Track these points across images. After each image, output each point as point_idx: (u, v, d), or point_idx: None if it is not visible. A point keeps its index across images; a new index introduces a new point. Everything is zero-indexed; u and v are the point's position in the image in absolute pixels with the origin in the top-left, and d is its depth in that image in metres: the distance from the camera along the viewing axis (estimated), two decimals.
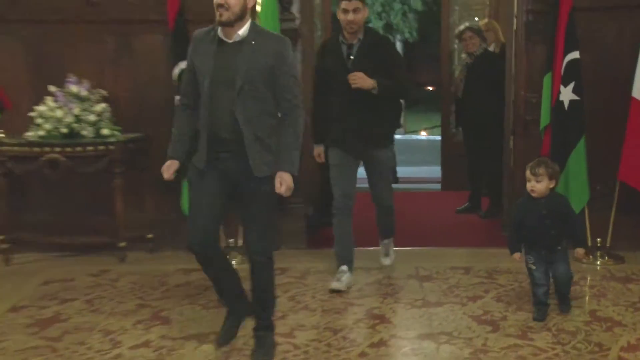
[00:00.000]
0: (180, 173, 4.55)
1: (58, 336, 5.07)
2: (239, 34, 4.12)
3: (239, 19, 4.06)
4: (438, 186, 10.71)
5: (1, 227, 6.82)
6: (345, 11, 5.30)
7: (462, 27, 8.49)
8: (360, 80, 5.34)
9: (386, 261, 6.29)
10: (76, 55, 6.99)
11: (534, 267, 5.03)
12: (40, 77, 6.92)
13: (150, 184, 6.80)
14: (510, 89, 7.14)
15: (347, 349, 4.73)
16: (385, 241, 6.30)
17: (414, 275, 6.18)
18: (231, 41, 4.13)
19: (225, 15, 3.99)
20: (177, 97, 6.43)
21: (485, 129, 7.88)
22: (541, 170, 4.88)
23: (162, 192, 6.75)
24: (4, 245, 6.81)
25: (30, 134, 6.63)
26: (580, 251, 5.08)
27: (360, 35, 5.49)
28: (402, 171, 11.83)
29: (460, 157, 9.30)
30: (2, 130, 6.70)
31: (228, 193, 4.40)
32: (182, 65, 6.38)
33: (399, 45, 26.03)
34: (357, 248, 6.43)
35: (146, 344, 4.88)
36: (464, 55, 8.49)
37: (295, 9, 6.90)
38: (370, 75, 5.35)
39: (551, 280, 5.17)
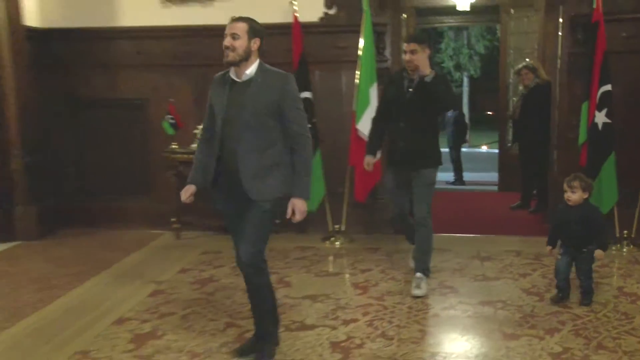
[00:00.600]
0: (195, 196, 4.11)
1: (212, 291, 5.35)
2: (246, 74, 3.75)
3: (244, 59, 3.71)
4: (495, 188, 10.58)
5: (174, 212, 7.01)
6: (405, 52, 5.02)
7: (520, 65, 8.53)
8: (418, 60, 4.97)
9: (416, 291, 5.09)
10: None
11: (559, 257, 4.91)
12: (201, 106, 6.92)
13: None
14: (555, 113, 7.11)
15: (424, 310, 4.83)
16: (418, 275, 5.20)
17: (476, 256, 6.19)
18: (241, 81, 3.77)
19: (231, 56, 3.69)
20: None
21: (536, 144, 7.83)
22: (576, 183, 4.77)
23: None
24: (176, 225, 7.06)
25: (193, 146, 6.74)
26: (600, 253, 4.75)
27: (421, 74, 4.99)
28: (467, 176, 11.73)
29: (513, 165, 9.25)
30: (175, 143, 6.91)
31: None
32: (305, 95, 6.38)
33: (465, 81, 25.60)
34: (450, 234, 6.78)
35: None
36: (520, 87, 8.44)
37: (387, 52, 6.93)
38: (424, 106, 5.05)
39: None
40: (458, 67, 25.57)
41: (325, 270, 5.90)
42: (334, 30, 6.89)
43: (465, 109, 21.49)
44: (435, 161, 5.29)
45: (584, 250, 4.81)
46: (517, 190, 8.79)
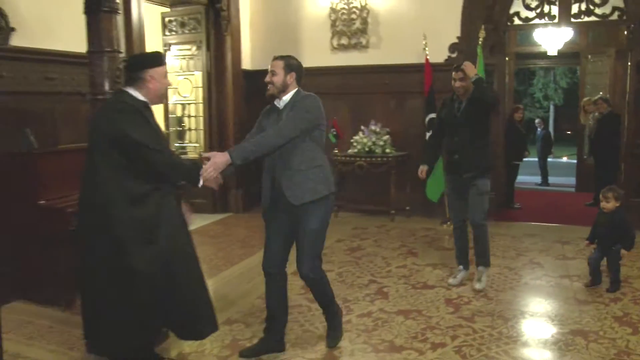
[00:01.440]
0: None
1: (359, 257, 5.35)
2: (284, 100, 3.23)
3: (282, 91, 3.21)
4: (573, 189, 10.05)
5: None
6: (454, 80, 4.39)
7: (596, 97, 8.18)
8: (468, 65, 4.34)
9: (477, 285, 4.44)
10: (374, 110, 7.14)
11: (593, 252, 4.54)
12: (356, 120, 7.15)
13: (408, 180, 6.80)
14: (624, 134, 6.67)
15: (517, 279, 4.69)
16: (480, 268, 4.54)
17: (558, 240, 5.87)
18: (281, 108, 3.23)
19: (271, 90, 3.23)
20: (428, 134, 6.67)
21: (607, 157, 7.27)
22: (610, 194, 4.40)
23: (412, 184, 6.90)
24: (335, 207, 6.99)
25: (350, 151, 6.95)
26: (624, 252, 4.36)
27: (469, 97, 4.36)
28: (552, 180, 11.20)
29: (588, 172, 8.85)
30: (337, 149, 6.95)
31: (291, 224, 3.26)
32: (431, 115, 6.47)
33: (551, 108, 24.60)
34: (538, 223, 6.35)
35: (404, 266, 5.06)
36: (596, 114, 7.93)
37: (495, 85, 6.72)
38: (471, 119, 4.36)
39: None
40: (546, 97, 24.77)
41: (442, 246, 5.78)
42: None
43: (551, 129, 20.67)
44: (485, 170, 4.46)
45: (613, 248, 4.41)
46: (590, 191, 8.21)
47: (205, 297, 3.08)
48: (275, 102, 3.31)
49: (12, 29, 4.36)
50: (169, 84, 3.05)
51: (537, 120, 12.33)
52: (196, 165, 2.96)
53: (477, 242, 4.55)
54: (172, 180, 2.94)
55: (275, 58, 3.33)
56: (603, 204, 4.46)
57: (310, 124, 3.20)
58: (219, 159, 2.95)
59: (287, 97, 3.26)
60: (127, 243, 2.74)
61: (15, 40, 4.39)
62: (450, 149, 4.58)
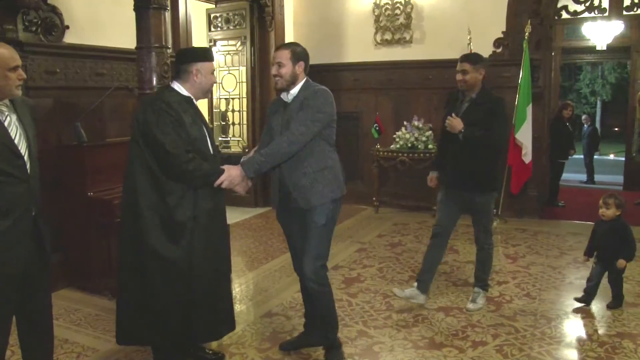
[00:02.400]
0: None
1: (400, 252, 5.31)
2: (292, 93, 2.98)
3: (291, 84, 2.96)
4: (620, 187, 9.69)
5: (375, 193, 7.03)
6: (457, 72, 3.74)
7: None
8: (451, 123, 3.66)
9: (470, 305, 3.90)
10: (417, 106, 7.07)
11: (593, 265, 3.99)
12: (399, 117, 7.10)
13: None
14: None
15: (560, 279, 4.56)
16: (477, 289, 3.99)
17: None
18: (289, 101, 3.00)
19: (280, 83, 2.97)
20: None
21: None
22: (610, 201, 3.90)
23: None
24: (376, 203, 7.04)
25: (392, 147, 6.87)
26: (621, 262, 3.80)
27: (474, 95, 3.72)
28: (598, 178, 10.83)
29: (636, 170, 8.65)
30: (378, 144, 6.89)
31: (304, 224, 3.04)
32: None
33: (598, 104, 23.76)
34: (583, 222, 6.09)
35: (445, 263, 4.89)
36: None
37: (540, 81, 6.54)
38: (474, 124, 3.63)
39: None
40: (593, 92, 24.01)
41: None
42: (500, 63, 6.60)
43: (598, 125, 20.06)
44: (487, 187, 3.81)
45: (615, 261, 3.87)
46: (639, 190, 7.90)
47: (225, 295, 3.05)
48: (282, 96, 3.05)
49: (66, 27, 4.47)
50: (215, 81, 2.99)
51: (584, 117, 11.98)
52: (215, 171, 2.83)
53: (479, 262, 4.02)
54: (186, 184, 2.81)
55: (279, 48, 3.10)
56: (602, 211, 3.95)
57: (323, 124, 2.94)
58: (234, 172, 2.84)
59: (295, 90, 3.00)
60: (150, 230, 2.73)
61: (69, 38, 4.50)
62: (449, 158, 3.86)
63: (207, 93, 3.06)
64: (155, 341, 2.94)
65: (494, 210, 4.10)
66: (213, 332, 3.04)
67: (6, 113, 2.34)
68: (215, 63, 7.39)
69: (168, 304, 2.80)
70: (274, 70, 2.99)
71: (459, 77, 3.73)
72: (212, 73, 2.94)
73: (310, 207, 2.96)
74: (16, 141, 2.34)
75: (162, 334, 2.85)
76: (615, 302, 3.93)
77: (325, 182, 2.97)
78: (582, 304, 3.94)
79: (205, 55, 2.94)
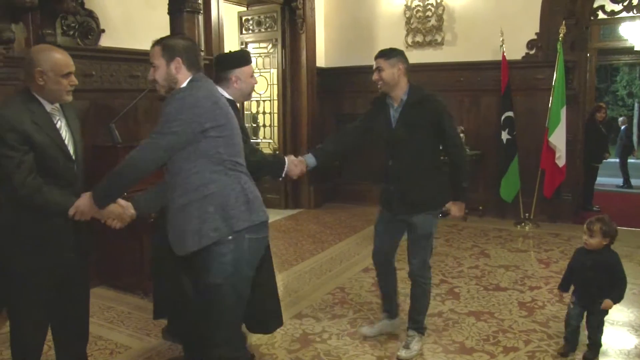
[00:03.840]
0: None
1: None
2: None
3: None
4: None
5: None
6: (373, 72, 3.17)
7: None
8: (455, 215, 3.33)
9: (403, 352, 3.22)
10: (449, 107, 6.86)
11: (571, 306, 3.24)
12: None
13: (482, 179, 6.73)
14: None
15: None
16: (411, 332, 3.30)
17: None
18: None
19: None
20: (503, 132, 6.49)
21: None
22: (596, 227, 3.11)
23: (485, 183, 6.73)
24: None
25: None
26: (608, 303, 3.07)
27: (403, 95, 3.13)
28: (634, 182, 10.42)
29: None
30: None
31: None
32: (508, 114, 6.35)
33: (636, 106, 23.01)
34: (620, 227, 5.92)
35: (476, 267, 4.92)
36: None
37: (575, 83, 6.39)
38: (414, 132, 3.09)
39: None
40: (630, 94, 23.34)
41: (516, 247, 5.57)
42: (533, 65, 6.51)
43: (635, 128, 19.51)
44: (431, 206, 3.20)
45: (600, 301, 3.12)
46: None
47: (273, 292, 3.08)
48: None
49: (102, 31, 4.56)
50: (255, 83, 2.96)
51: (620, 119, 11.66)
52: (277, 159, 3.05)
53: (413, 300, 3.32)
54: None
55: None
56: (585, 238, 3.18)
57: (179, 137, 2.11)
58: (82, 202, 2.31)
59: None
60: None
61: (104, 41, 4.59)
62: (385, 176, 3.30)
63: (248, 96, 2.99)
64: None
65: (435, 239, 3.40)
66: (263, 325, 3.08)
67: (57, 117, 2.39)
68: None
69: None
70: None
71: (374, 76, 3.16)
72: (252, 76, 2.89)
73: (187, 254, 2.24)
74: (66, 143, 2.39)
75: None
76: (593, 352, 3.20)
77: (204, 217, 2.17)
78: (566, 355, 3.23)
79: (242, 60, 2.89)
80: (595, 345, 3.19)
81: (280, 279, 4.66)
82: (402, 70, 3.13)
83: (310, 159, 3.19)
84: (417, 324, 3.33)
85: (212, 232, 2.16)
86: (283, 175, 3.03)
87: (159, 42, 2.34)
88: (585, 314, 3.23)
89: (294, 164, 3.05)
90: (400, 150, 3.16)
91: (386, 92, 3.18)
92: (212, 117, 2.15)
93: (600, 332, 3.19)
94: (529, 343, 3.40)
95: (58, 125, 2.37)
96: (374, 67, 3.15)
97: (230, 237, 2.18)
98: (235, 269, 2.20)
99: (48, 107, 2.34)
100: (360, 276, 4.66)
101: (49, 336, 2.60)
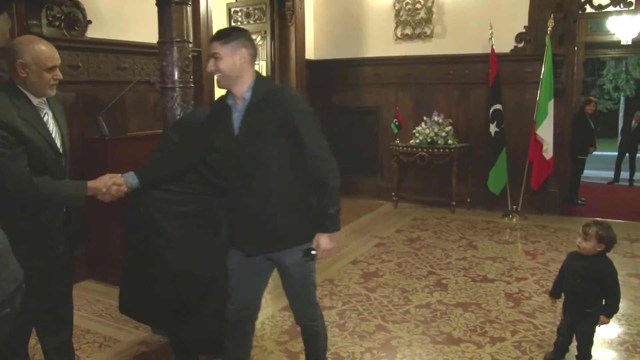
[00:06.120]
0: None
1: (419, 247, 5.28)
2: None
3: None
4: None
5: (394, 189, 7.02)
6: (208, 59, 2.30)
7: None
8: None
9: None
10: (438, 101, 7.00)
11: (561, 317, 3.09)
12: (419, 112, 7.05)
13: (470, 172, 6.80)
14: None
15: None
16: None
17: (626, 237, 5.55)
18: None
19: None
20: (492, 125, 6.51)
21: None
22: (591, 230, 2.87)
23: (474, 175, 6.79)
24: (395, 198, 7.03)
25: (412, 142, 6.83)
26: (605, 320, 2.89)
27: (246, 92, 2.28)
28: (625, 175, 10.17)
29: None
30: (398, 140, 6.87)
31: None
32: (496, 106, 6.36)
33: (622, 99, 23.09)
34: (605, 219, 5.95)
35: (463, 259, 4.96)
36: None
37: (562, 76, 6.44)
38: (262, 146, 2.25)
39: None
40: (616, 88, 23.52)
41: (504, 239, 5.62)
42: (522, 58, 6.56)
43: (620, 121, 19.71)
44: (300, 238, 2.36)
45: (588, 310, 2.90)
46: None
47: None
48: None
49: (89, 22, 4.51)
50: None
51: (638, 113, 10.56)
52: None
53: (307, 345, 2.67)
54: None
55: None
56: (579, 241, 2.94)
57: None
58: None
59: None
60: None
61: (91, 32, 4.54)
62: (233, 205, 2.42)
63: None
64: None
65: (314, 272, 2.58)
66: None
67: (44, 110, 2.35)
68: None
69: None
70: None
71: (209, 66, 2.29)
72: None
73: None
74: (53, 136, 2.35)
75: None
76: None
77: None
78: None
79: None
80: (584, 357, 2.98)
81: None
82: (246, 57, 2.28)
83: (132, 179, 2.47)
84: None
85: None
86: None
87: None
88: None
89: (104, 184, 2.42)
90: (248, 167, 2.30)
91: (226, 88, 2.35)
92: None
93: (590, 343, 2.97)
94: (515, 333, 3.44)
95: (45, 119, 2.34)
96: (209, 52, 2.31)
97: None
98: None
99: (35, 100, 2.30)
100: (349, 268, 4.68)
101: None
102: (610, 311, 2.92)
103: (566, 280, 3.03)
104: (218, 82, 2.34)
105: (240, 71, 2.27)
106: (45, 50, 2.27)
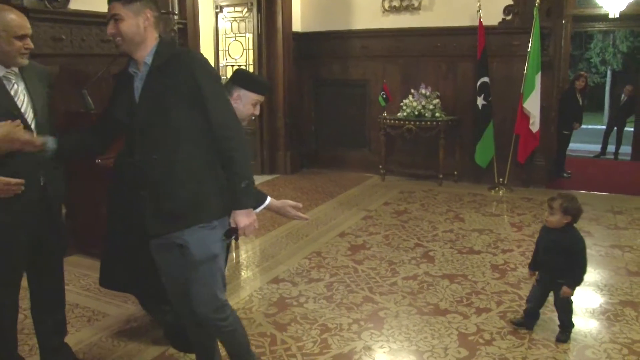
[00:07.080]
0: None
1: (406, 220, 5.30)
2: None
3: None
4: (628, 158, 9.55)
5: (381, 161, 7.03)
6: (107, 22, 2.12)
7: None
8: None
9: None
10: (426, 73, 6.97)
11: (535, 284, 3.13)
12: (406, 84, 7.02)
13: (457, 144, 6.82)
14: None
15: None
16: None
17: (610, 210, 5.64)
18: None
19: None
20: (479, 98, 6.52)
21: None
22: (556, 204, 2.93)
23: (461, 148, 6.80)
24: (382, 171, 7.04)
25: (399, 114, 6.81)
26: (566, 290, 2.93)
27: (147, 57, 2.11)
28: (611, 149, 10.30)
29: None
30: (385, 112, 6.85)
31: None
32: (483, 79, 6.37)
33: (608, 73, 23.01)
34: (590, 192, 6.04)
35: (450, 231, 4.99)
36: None
37: (550, 49, 6.42)
38: (164, 114, 2.06)
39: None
40: (603, 62, 23.52)
41: (490, 212, 5.66)
42: (509, 31, 6.52)
43: (607, 95, 19.73)
44: (202, 216, 2.15)
45: (560, 281, 2.97)
46: None
47: None
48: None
49: None
50: (255, 113, 2.68)
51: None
52: None
53: (225, 345, 2.50)
54: None
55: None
56: (546, 215, 3.06)
57: None
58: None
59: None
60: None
61: (74, 4, 4.44)
62: (129, 181, 2.26)
63: (243, 121, 2.49)
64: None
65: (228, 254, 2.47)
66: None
67: (13, 81, 2.28)
68: (222, 30, 7.38)
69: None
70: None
71: (109, 29, 2.11)
72: (255, 106, 2.63)
73: None
74: (22, 110, 2.27)
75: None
76: (565, 334, 3.03)
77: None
78: (519, 327, 3.13)
79: (254, 85, 2.64)
80: (564, 326, 3.05)
81: (257, 244, 4.68)
82: (150, 20, 2.11)
83: (51, 143, 2.27)
84: None
85: None
86: None
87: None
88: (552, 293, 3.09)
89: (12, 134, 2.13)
90: (149, 138, 2.11)
91: (128, 54, 2.15)
92: None
93: (568, 312, 3.04)
94: (500, 304, 3.48)
95: (13, 91, 2.26)
96: (108, 14, 2.10)
97: None
98: None
99: (1, 71, 2.24)
100: (336, 240, 4.70)
101: (27, 305, 2.59)
102: (573, 282, 2.96)
103: (539, 254, 3.11)
104: (118, 47, 2.13)
105: (144, 35, 2.10)
106: (15, 18, 2.22)
